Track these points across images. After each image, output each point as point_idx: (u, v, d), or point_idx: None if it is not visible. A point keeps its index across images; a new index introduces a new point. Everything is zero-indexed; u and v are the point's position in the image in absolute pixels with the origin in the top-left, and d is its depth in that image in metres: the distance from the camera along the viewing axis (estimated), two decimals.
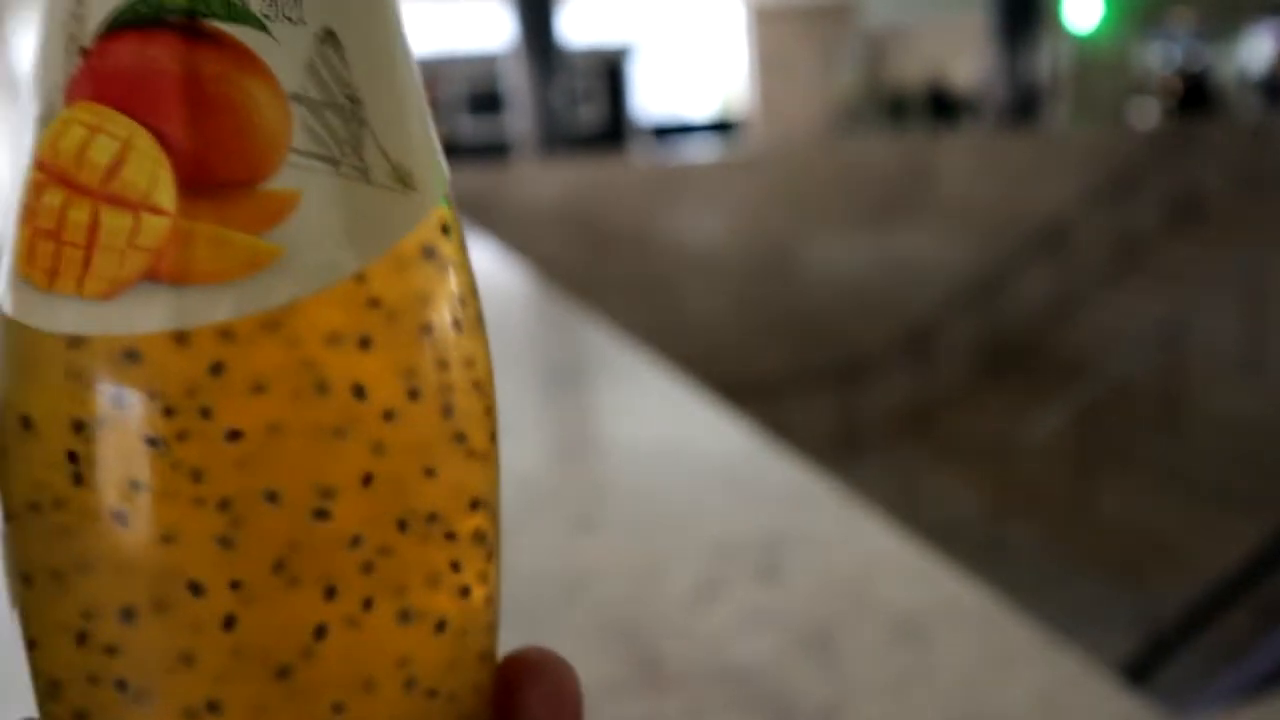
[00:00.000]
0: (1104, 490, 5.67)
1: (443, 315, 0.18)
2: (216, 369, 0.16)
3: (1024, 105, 9.31)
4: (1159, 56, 11.40)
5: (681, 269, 7.94)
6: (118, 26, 0.17)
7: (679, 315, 7.84)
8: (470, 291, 0.20)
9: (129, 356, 0.16)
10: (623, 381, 1.89)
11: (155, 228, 0.16)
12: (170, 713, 0.17)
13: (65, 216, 0.17)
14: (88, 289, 0.16)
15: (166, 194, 0.16)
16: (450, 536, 0.18)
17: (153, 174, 0.16)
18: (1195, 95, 10.60)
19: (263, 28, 0.17)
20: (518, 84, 8.23)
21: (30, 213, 0.17)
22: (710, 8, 13.01)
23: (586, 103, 11.59)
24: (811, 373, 7.67)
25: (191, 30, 0.16)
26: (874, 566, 1.01)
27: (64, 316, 0.17)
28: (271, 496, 0.17)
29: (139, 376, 0.16)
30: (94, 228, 0.16)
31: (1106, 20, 11.67)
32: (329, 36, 0.17)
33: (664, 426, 1.52)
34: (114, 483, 0.16)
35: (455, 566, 0.18)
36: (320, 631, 0.17)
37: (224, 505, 0.16)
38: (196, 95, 0.16)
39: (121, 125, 0.16)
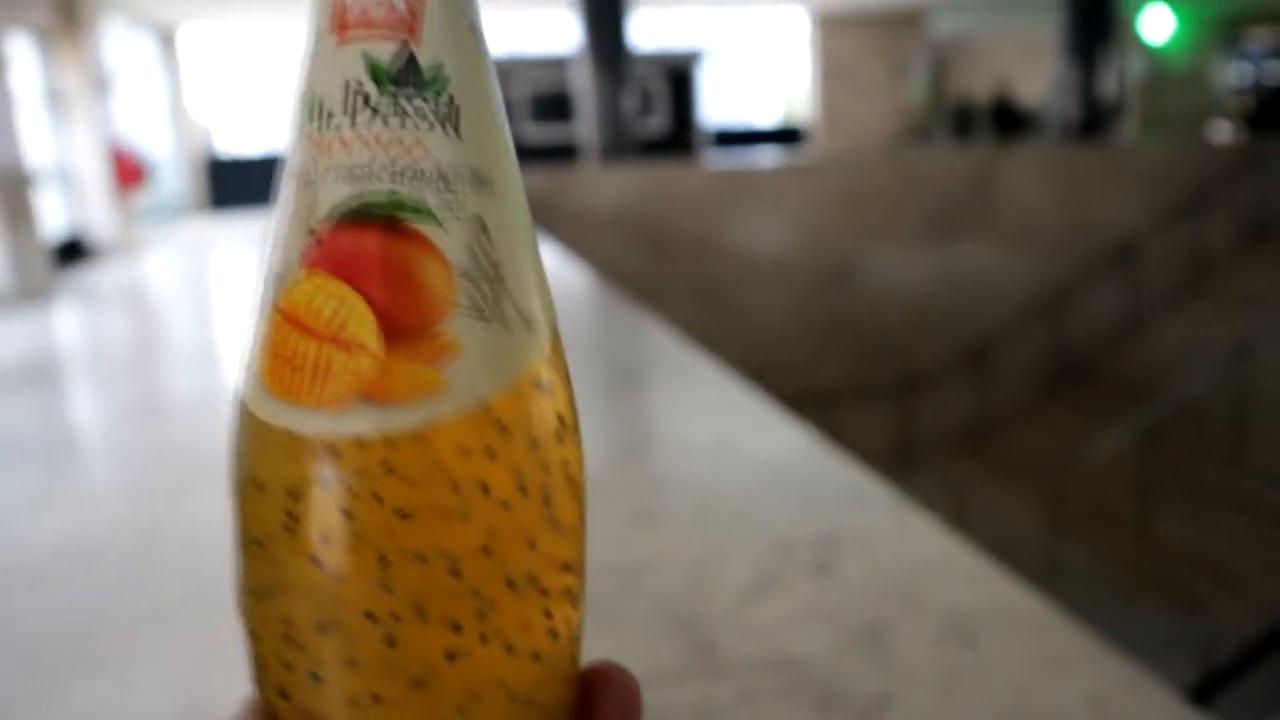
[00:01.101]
0: (1166, 514, 5.57)
1: (547, 429, 0.25)
2: (388, 467, 0.24)
3: (1093, 119, 9.16)
4: (1233, 73, 11.14)
5: (743, 275, 7.94)
6: (340, 218, 0.24)
7: (739, 321, 7.85)
8: (568, 406, 0.27)
9: (333, 451, 0.24)
10: (682, 382, 1.92)
11: (363, 363, 0.24)
12: (341, 699, 0.24)
13: (299, 350, 0.24)
14: (313, 402, 0.24)
15: (371, 339, 0.24)
16: (544, 592, 0.25)
17: (362, 325, 0.24)
18: (1270, 113, 10.35)
19: (439, 223, 0.24)
20: (585, 88, 8.28)
21: (272, 344, 0.25)
22: (776, 15, 12.98)
23: (654, 108, 11.62)
24: (869, 384, 7.63)
25: (391, 225, 0.24)
26: (927, 567, 1.02)
27: (294, 418, 0.24)
28: (419, 557, 0.24)
29: (339, 465, 0.24)
30: (319, 360, 0.24)
31: (1179, 35, 11.44)
32: (481, 226, 0.25)
33: (722, 426, 1.54)
34: (313, 534, 0.24)
35: (548, 614, 0.25)
36: (449, 655, 0.24)
37: (385, 561, 0.23)
38: (393, 271, 0.24)
39: (342, 289, 0.24)
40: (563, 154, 10.19)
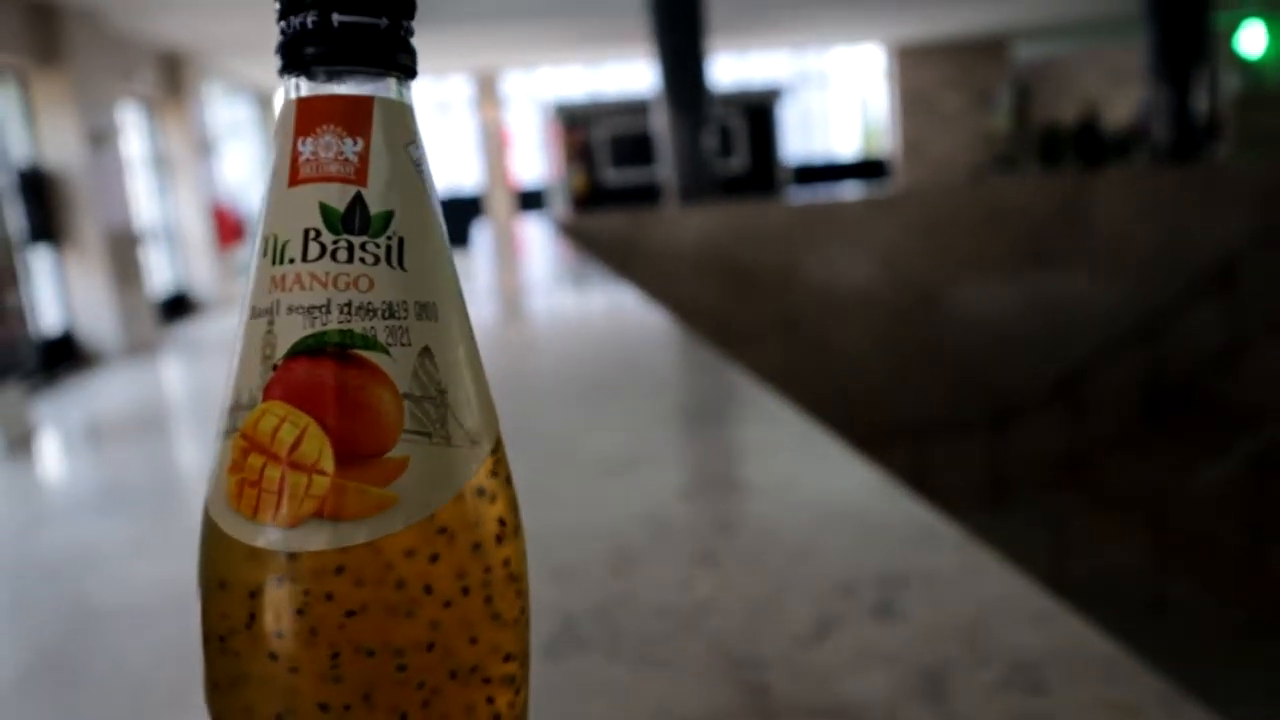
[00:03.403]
0: (1278, 548, 5.31)
1: (488, 533, 0.28)
2: (339, 570, 0.26)
3: (1186, 140, 8.90)
4: None
5: (826, 310, 7.89)
6: (297, 353, 0.27)
7: (823, 356, 7.78)
8: (510, 508, 0.29)
9: (292, 559, 0.26)
10: (753, 421, 1.92)
11: (321, 484, 0.26)
12: None
13: (263, 474, 0.27)
14: (272, 519, 0.27)
15: (328, 462, 0.26)
16: (486, 681, 0.28)
17: (319, 449, 0.26)
18: None
19: (386, 352, 0.27)
20: (664, 130, 8.36)
21: (236, 465, 0.27)
22: (853, 53, 12.95)
23: (734, 147, 11.67)
24: (958, 417, 7.48)
25: (343, 356, 0.27)
26: (992, 609, 1.01)
27: (255, 533, 0.27)
28: (368, 652, 0.26)
29: (295, 573, 0.26)
30: (280, 483, 0.27)
31: (1272, 50, 11.07)
32: (425, 352, 0.28)
33: (791, 464, 1.53)
34: (270, 631, 0.26)
35: (490, 700, 0.28)
36: None
37: (335, 655, 0.26)
38: (346, 399, 0.27)
39: (300, 417, 0.27)
40: (644, 196, 10.28)
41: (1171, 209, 7.92)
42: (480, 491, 0.28)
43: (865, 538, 1.21)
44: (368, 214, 0.28)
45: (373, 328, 0.27)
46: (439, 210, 0.30)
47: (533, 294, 4.75)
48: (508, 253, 6.94)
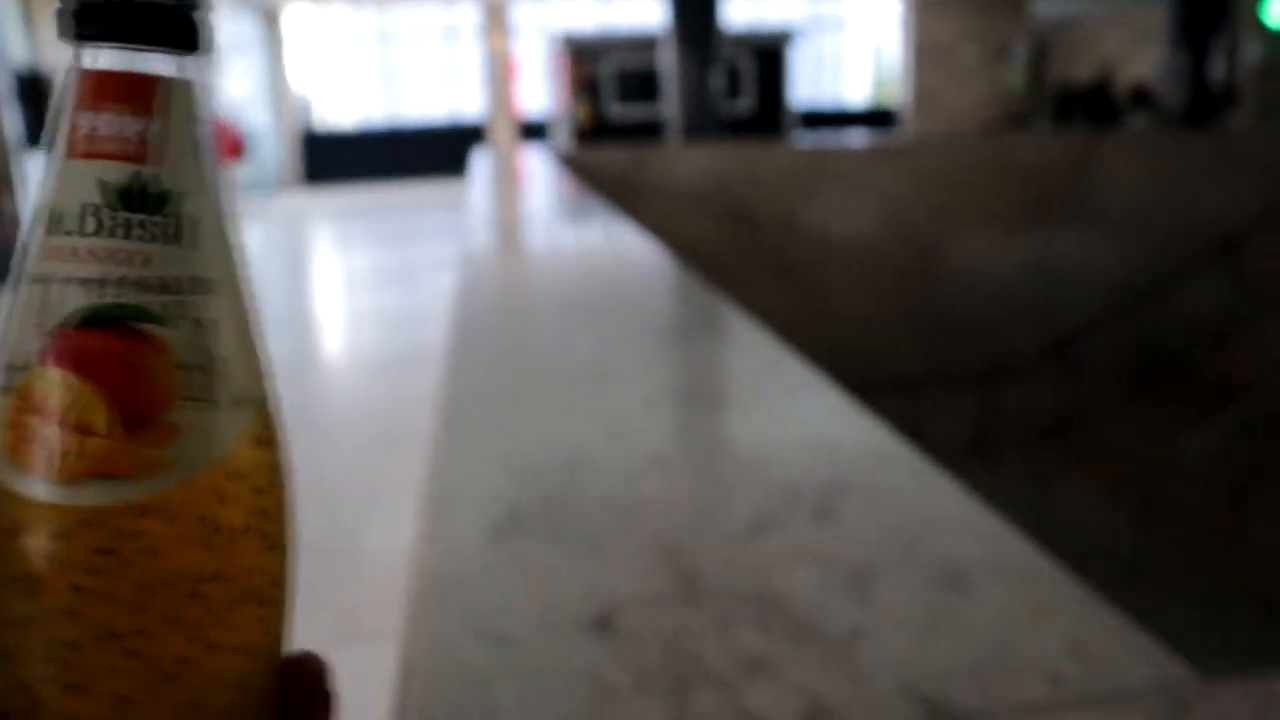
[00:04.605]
0: (1259, 518, 5.35)
1: (262, 481, 0.31)
2: (115, 524, 0.28)
3: (1202, 106, 8.80)
4: None
5: (825, 257, 7.85)
6: (75, 323, 0.28)
7: (820, 303, 7.76)
8: (277, 463, 0.32)
9: (70, 513, 0.28)
10: (730, 346, 1.92)
11: (95, 445, 0.28)
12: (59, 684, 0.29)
13: (39, 434, 0.28)
14: (50, 477, 0.28)
15: (102, 424, 0.28)
16: (260, 603, 0.31)
17: (94, 412, 0.28)
18: None
19: (162, 324, 0.29)
20: (671, 67, 8.26)
21: (12, 425, 0.29)
22: None
23: (742, 88, 11.53)
24: (951, 372, 7.49)
25: (119, 326, 0.28)
26: (932, 521, 1.02)
27: (33, 488, 0.28)
28: (148, 587, 0.29)
29: (72, 528, 0.28)
30: (56, 443, 0.28)
31: None
32: (199, 324, 0.29)
33: (758, 383, 1.54)
34: (27, 561, 0.28)
35: (261, 620, 0.31)
36: (180, 660, 0.29)
37: (113, 589, 0.28)
38: (121, 366, 0.28)
39: (77, 382, 0.28)
40: (648, 132, 10.18)
41: (1182, 175, 7.84)
42: (256, 442, 0.31)
43: (818, 451, 1.22)
44: (146, 192, 0.29)
45: (148, 301, 0.29)
46: (220, 187, 0.31)
47: (530, 226, 4.72)
48: (507, 183, 6.89)
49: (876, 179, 8.00)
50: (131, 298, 0.28)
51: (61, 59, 0.29)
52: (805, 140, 10.60)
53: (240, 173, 8.70)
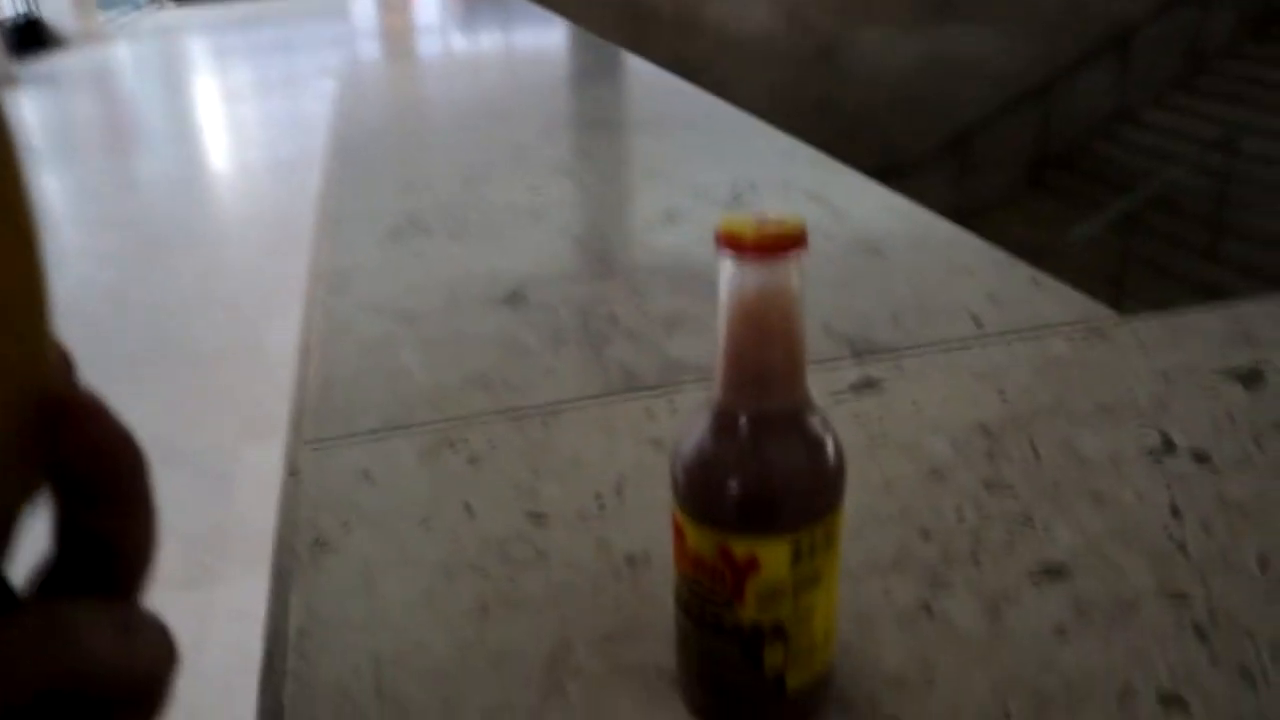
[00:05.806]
0: (1136, 304, 5.58)
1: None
2: None
3: None
4: None
5: (722, 54, 7.65)
6: None
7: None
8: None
9: None
10: (634, 82, 1.85)
11: None
12: None
13: None
14: None
15: None
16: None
17: None
18: None
19: None
20: None
21: None
22: None
23: None
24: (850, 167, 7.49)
25: None
26: (850, 206, 0.99)
27: None
28: None
29: None
30: None
31: None
32: None
33: (658, 105, 1.49)
34: None
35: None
36: None
37: None
38: None
39: None
40: None
41: None
42: None
43: (727, 158, 1.17)
44: None
45: None
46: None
47: (422, 35, 4.46)
48: None
49: None
50: None
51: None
52: None
53: None
